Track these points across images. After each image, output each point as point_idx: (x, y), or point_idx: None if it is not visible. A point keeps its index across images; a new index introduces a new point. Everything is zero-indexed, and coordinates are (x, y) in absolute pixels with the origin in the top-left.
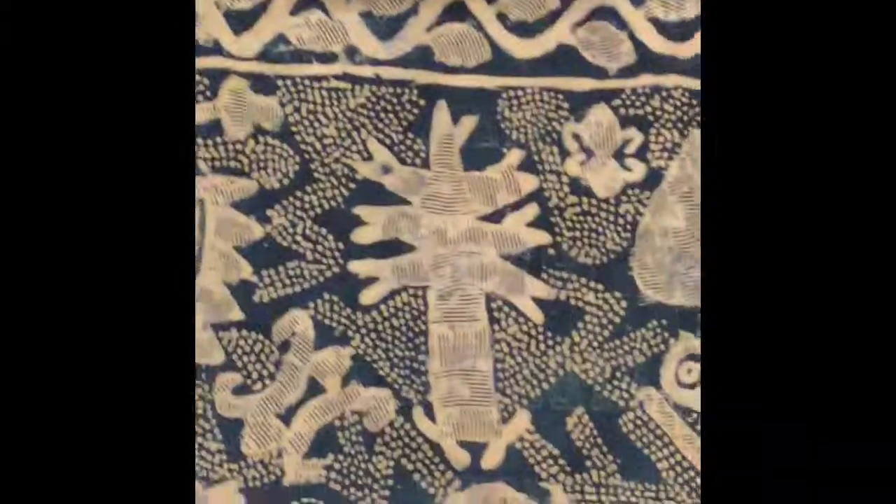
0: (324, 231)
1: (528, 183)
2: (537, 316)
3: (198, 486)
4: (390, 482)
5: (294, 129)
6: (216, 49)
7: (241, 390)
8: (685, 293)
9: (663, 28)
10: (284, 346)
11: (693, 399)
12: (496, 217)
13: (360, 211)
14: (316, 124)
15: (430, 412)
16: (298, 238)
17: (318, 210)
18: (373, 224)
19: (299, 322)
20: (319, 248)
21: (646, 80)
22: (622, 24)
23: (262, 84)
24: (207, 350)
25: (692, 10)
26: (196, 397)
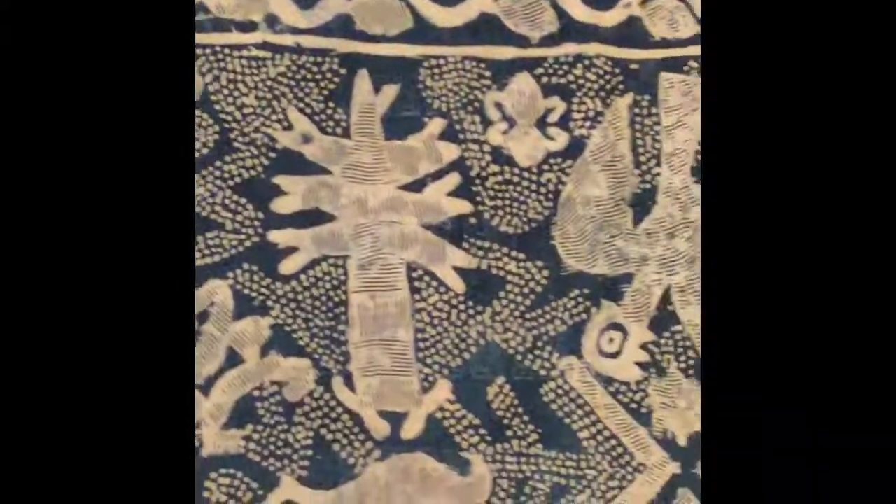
0: (243, 201)
1: (450, 152)
2: (458, 285)
3: None
4: (309, 452)
5: (213, 98)
6: None
7: None
8: (607, 262)
9: None
10: (203, 317)
11: (614, 368)
12: (417, 186)
13: (280, 180)
14: (236, 93)
15: (349, 382)
16: (218, 208)
17: (238, 179)
18: (293, 194)
19: (218, 292)
20: (239, 217)
21: (568, 48)
22: None
23: None
24: None
25: None
26: None
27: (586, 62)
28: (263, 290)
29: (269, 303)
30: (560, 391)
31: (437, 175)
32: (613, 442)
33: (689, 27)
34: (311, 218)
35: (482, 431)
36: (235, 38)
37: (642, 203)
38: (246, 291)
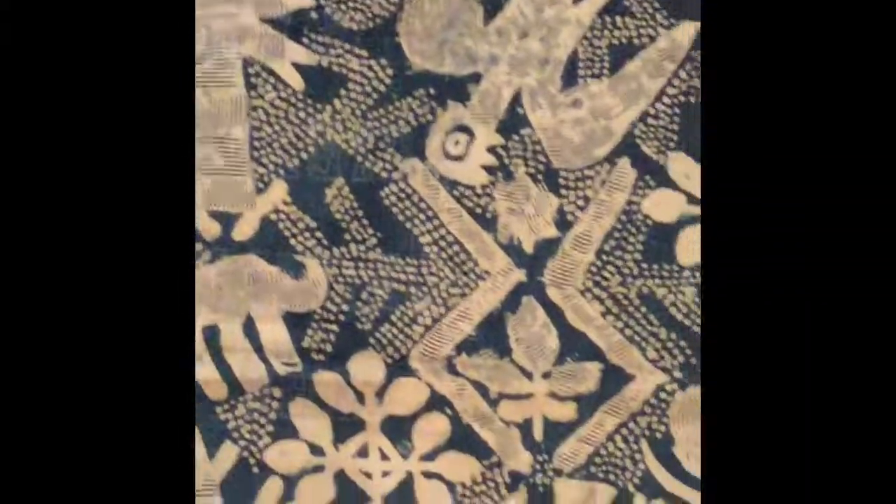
0: None
1: None
2: (297, 82)
3: None
4: None
5: None
6: None
7: None
8: (455, 61)
9: None
10: None
11: (459, 171)
12: None
13: None
14: None
15: None
16: None
17: None
18: None
19: None
20: None
21: None
22: None
23: None
24: None
25: None
26: None
27: None
28: None
29: None
30: (402, 194)
31: None
32: (456, 248)
33: None
34: None
35: (318, 235)
36: None
37: (493, 0)
38: None
